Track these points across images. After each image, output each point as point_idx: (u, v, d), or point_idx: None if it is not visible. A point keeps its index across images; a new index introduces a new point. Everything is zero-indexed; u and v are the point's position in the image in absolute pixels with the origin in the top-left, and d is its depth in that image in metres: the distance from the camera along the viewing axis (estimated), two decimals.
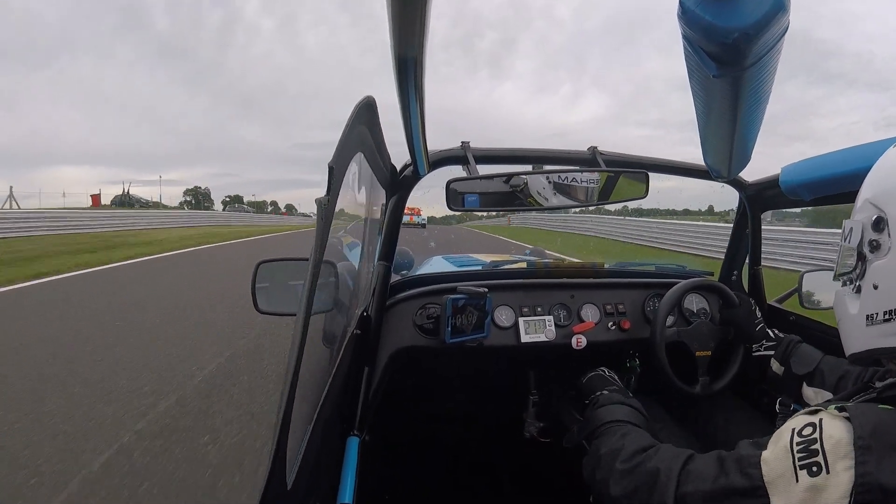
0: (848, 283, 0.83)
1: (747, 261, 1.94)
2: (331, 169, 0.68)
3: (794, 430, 0.69)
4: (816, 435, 0.66)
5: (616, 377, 1.39)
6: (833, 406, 0.68)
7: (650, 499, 0.82)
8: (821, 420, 0.67)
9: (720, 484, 0.73)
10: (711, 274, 2.04)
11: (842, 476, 0.62)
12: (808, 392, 1.26)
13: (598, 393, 1.27)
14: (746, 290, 1.94)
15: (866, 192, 0.80)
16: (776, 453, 0.69)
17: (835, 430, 0.65)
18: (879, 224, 0.75)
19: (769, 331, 1.46)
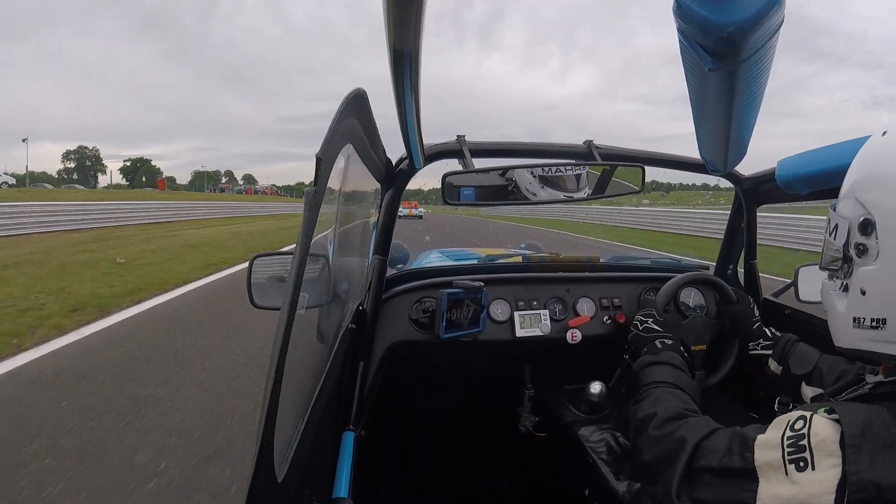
0: (834, 278, 0.83)
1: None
2: (318, 160, 0.67)
3: (788, 422, 0.70)
4: (805, 430, 0.67)
5: (654, 323, 1.38)
6: (822, 409, 0.68)
7: (672, 467, 0.83)
8: (811, 416, 0.68)
9: (724, 463, 0.74)
10: (707, 268, 2.05)
11: (827, 473, 0.63)
12: (807, 391, 1.25)
13: (641, 356, 1.29)
14: (742, 284, 1.94)
15: (851, 180, 0.79)
16: (770, 441, 0.70)
17: (821, 428, 0.66)
18: (867, 227, 0.74)
19: (766, 329, 1.46)
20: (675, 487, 0.79)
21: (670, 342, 1.32)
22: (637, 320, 1.41)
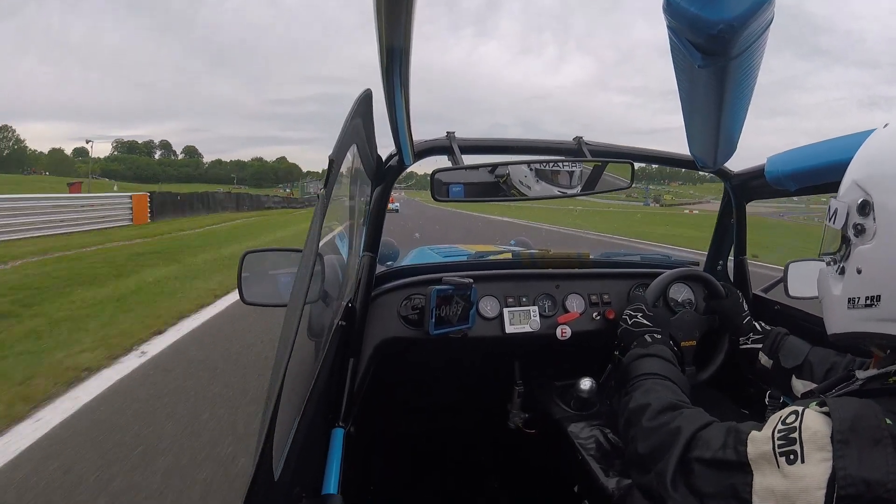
0: (832, 263, 0.85)
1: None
2: (331, 162, 0.67)
3: (780, 416, 0.71)
4: (796, 424, 0.68)
5: (644, 318, 1.39)
6: (814, 403, 0.69)
7: (666, 457, 0.84)
8: (803, 410, 0.69)
9: (718, 455, 0.75)
10: (697, 264, 2.06)
11: (818, 467, 0.63)
12: (798, 385, 1.27)
13: (630, 349, 1.29)
14: (731, 279, 1.95)
15: (853, 173, 0.81)
16: (762, 435, 0.71)
17: (813, 422, 0.66)
18: (865, 208, 0.76)
19: (756, 323, 1.47)
20: (669, 477, 0.80)
21: (660, 336, 1.32)
22: (626, 315, 1.42)
